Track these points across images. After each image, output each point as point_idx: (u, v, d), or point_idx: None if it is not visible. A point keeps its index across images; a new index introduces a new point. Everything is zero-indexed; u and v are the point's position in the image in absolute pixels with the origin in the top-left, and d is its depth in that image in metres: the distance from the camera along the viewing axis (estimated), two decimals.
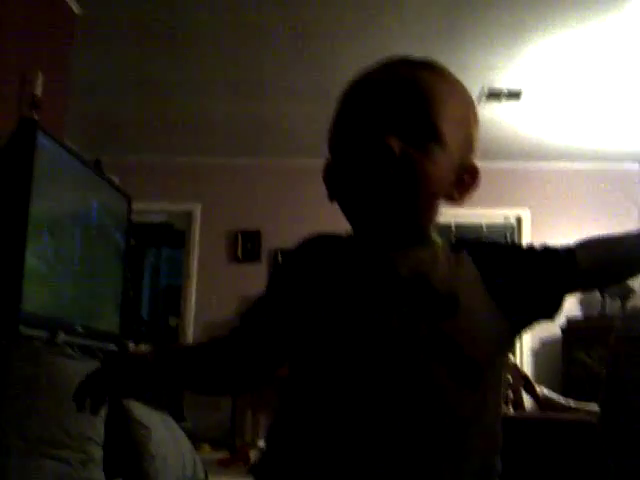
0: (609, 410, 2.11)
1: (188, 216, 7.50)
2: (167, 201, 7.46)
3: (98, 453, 2.71)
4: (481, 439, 1.01)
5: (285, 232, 7.23)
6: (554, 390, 3.46)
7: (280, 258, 7.26)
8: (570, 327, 6.38)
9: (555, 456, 2.57)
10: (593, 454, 2.24)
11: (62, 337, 3.13)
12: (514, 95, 5.75)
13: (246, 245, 7.35)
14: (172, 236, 8.61)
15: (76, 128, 5.59)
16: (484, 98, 5.65)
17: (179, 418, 3.38)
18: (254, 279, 7.21)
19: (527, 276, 1.06)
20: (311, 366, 1.03)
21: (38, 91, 3.63)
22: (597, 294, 6.50)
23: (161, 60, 5.35)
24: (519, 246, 1.12)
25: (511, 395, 3.19)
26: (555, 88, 5.62)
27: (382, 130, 1.02)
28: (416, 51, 4.57)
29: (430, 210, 1.08)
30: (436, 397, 0.97)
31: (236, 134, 6.87)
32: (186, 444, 3.56)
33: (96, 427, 2.72)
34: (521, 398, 3.32)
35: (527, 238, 7.16)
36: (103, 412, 2.80)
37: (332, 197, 1.12)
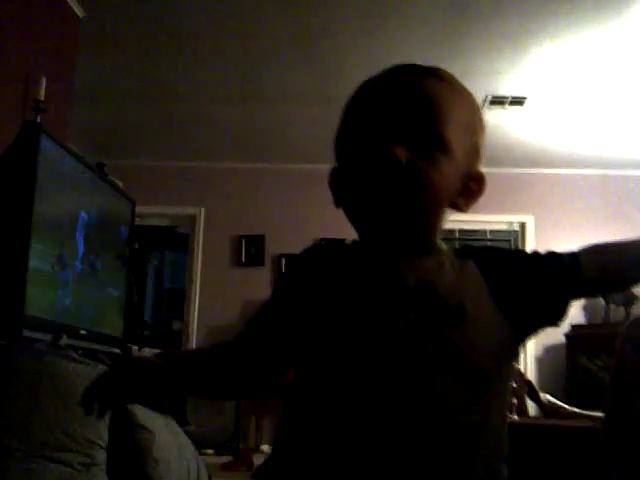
0: (613, 417, 2.10)
1: (192, 220, 7.50)
2: (171, 205, 7.47)
3: (102, 457, 2.70)
4: (487, 446, 1.01)
5: (289, 237, 7.24)
6: (558, 397, 3.45)
7: (284, 263, 7.27)
8: (574, 333, 6.37)
9: (559, 462, 2.56)
10: (597, 460, 2.24)
11: (65, 340, 3.12)
12: (518, 101, 5.75)
13: (250, 250, 7.36)
14: (175, 240, 8.62)
15: (80, 132, 5.59)
16: (488, 104, 5.65)
17: (183, 422, 3.38)
18: (258, 284, 7.21)
19: (532, 283, 1.05)
20: (318, 373, 1.03)
21: (41, 95, 3.63)
22: (601, 301, 6.49)
23: (165, 64, 5.36)
24: (524, 252, 1.12)
25: (515, 401, 3.18)
26: (559, 95, 5.62)
27: (388, 139, 1.02)
28: (420, 57, 4.57)
29: (436, 219, 1.07)
30: (443, 405, 0.97)
31: (240, 139, 6.87)
32: (190, 448, 3.56)
33: (100, 431, 2.71)
34: (525, 404, 3.31)
35: (531, 244, 7.16)
36: (107, 416, 2.79)
37: (338, 204, 1.12)
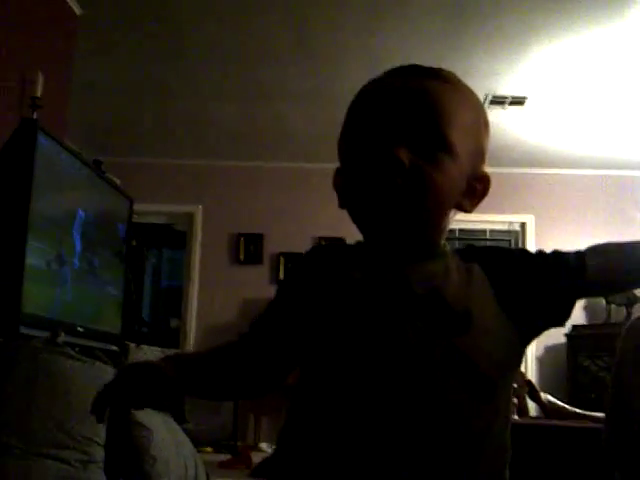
0: (614, 417, 2.09)
1: (190, 218, 7.50)
2: (168, 202, 7.46)
3: (99, 454, 2.70)
4: (492, 450, 1.01)
5: (288, 235, 7.25)
6: (559, 397, 3.44)
7: (284, 262, 7.27)
8: (575, 334, 6.37)
9: (560, 463, 2.55)
10: (598, 461, 2.23)
11: (62, 338, 3.11)
12: (518, 102, 5.75)
13: (248, 248, 7.36)
14: (173, 237, 8.61)
15: (78, 129, 5.59)
16: (488, 104, 5.65)
17: (181, 420, 3.37)
18: (256, 282, 7.22)
19: (537, 284, 1.05)
20: (325, 376, 1.02)
21: (38, 92, 3.62)
22: (602, 301, 6.50)
23: (162, 61, 5.34)
24: (529, 252, 1.11)
25: (515, 401, 3.17)
26: (559, 95, 5.61)
27: (391, 141, 1.01)
28: (419, 56, 4.57)
29: (441, 221, 1.07)
30: (449, 411, 0.96)
31: (238, 137, 6.87)
32: (188, 446, 3.55)
33: (97, 428, 2.70)
34: (525, 404, 3.31)
35: (531, 244, 7.16)
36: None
37: (342, 205, 1.11)
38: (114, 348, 4.34)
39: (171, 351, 6.41)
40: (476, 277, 1.04)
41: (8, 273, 3.17)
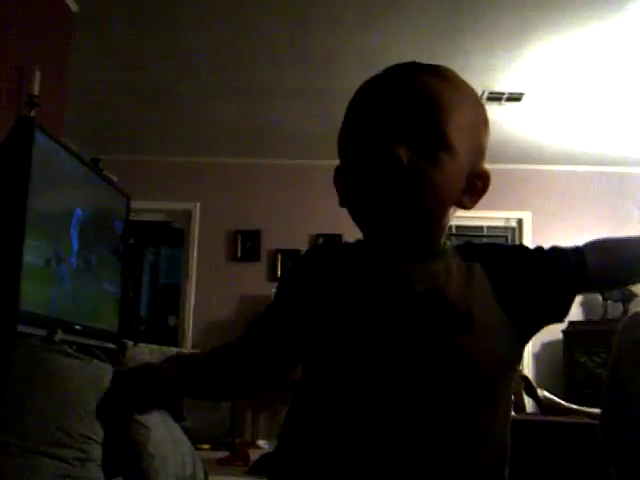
0: (610, 413, 2.10)
1: (187, 215, 7.50)
2: (166, 200, 7.46)
3: (97, 452, 2.70)
4: (492, 448, 1.01)
5: (285, 232, 7.26)
6: (556, 393, 3.45)
7: (282, 260, 7.27)
8: (572, 330, 6.38)
9: (556, 459, 2.56)
10: (595, 457, 2.23)
11: (60, 336, 3.11)
12: (515, 98, 5.75)
13: (245, 245, 7.36)
14: (171, 235, 8.61)
15: (75, 127, 5.58)
16: (485, 101, 5.65)
17: (179, 418, 3.37)
18: (253, 279, 7.23)
19: (536, 281, 1.05)
20: (327, 376, 1.02)
21: (35, 89, 3.62)
22: (599, 297, 6.50)
23: (160, 59, 5.34)
24: (527, 249, 1.10)
25: (512, 398, 3.17)
26: (556, 91, 5.61)
27: (390, 139, 1.01)
28: (416, 53, 4.57)
29: (440, 219, 1.06)
30: (451, 410, 0.97)
31: (235, 134, 6.86)
32: (186, 443, 3.55)
33: (95, 426, 2.70)
34: (522, 401, 3.31)
35: (528, 241, 7.17)
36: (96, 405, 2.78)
37: (343, 204, 1.11)
38: (112, 346, 4.35)
39: (169, 349, 6.42)
40: (477, 277, 1.04)
41: (5, 271, 3.17)
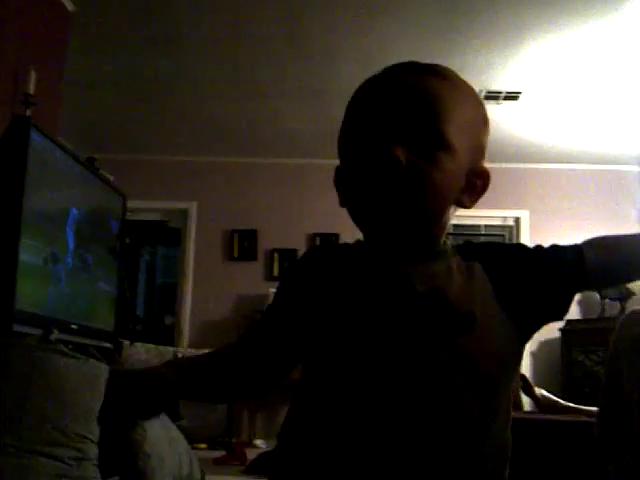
0: (608, 410, 2.10)
1: (184, 214, 7.49)
2: (162, 199, 7.46)
3: (93, 451, 2.69)
4: (493, 448, 1.01)
5: (282, 231, 7.26)
6: (553, 391, 3.45)
7: (279, 259, 7.27)
8: (569, 328, 6.38)
9: (553, 457, 2.56)
10: (592, 455, 2.23)
11: (56, 335, 3.11)
12: (512, 97, 5.75)
13: (242, 244, 7.35)
14: (168, 234, 8.60)
15: (71, 126, 5.57)
16: (482, 99, 5.64)
17: (175, 417, 3.37)
18: (250, 278, 7.22)
19: (536, 279, 1.05)
20: (329, 375, 1.02)
21: (31, 89, 3.61)
22: (596, 295, 6.51)
23: (156, 58, 5.33)
24: (527, 248, 1.10)
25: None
26: (554, 90, 5.61)
27: (389, 139, 1.01)
28: (413, 52, 4.56)
29: (440, 218, 1.06)
30: (454, 410, 0.97)
31: (232, 133, 6.86)
32: (182, 443, 3.55)
33: (91, 425, 2.70)
34: (519, 399, 3.31)
35: (525, 239, 7.17)
36: (98, 410, 2.78)
37: (343, 204, 1.10)
38: (108, 345, 4.34)
39: (166, 348, 6.42)
40: (477, 276, 1.05)
41: (1, 270, 3.16)
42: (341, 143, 1.10)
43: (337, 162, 1.11)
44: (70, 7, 4.47)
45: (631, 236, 1.11)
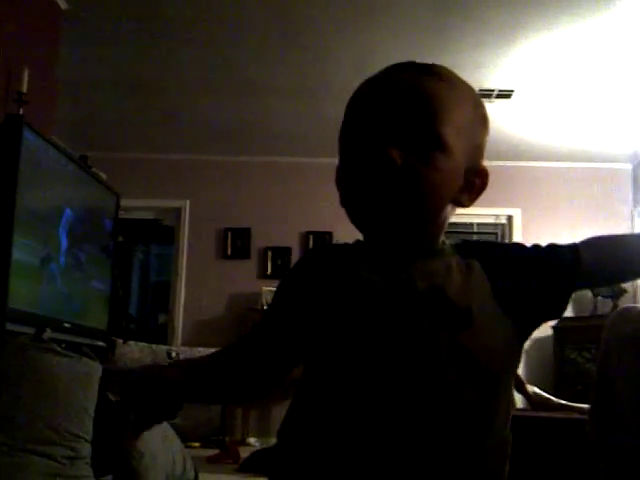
0: (599, 408, 2.11)
1: (177, 213, 7.48)
2: (156, 198, 7.44)
3: (86, 450, 2.69)
4: (493, 445, 1.02)
5: (275, 230, 7.25)
6: (546, 389, 3.45)
7: (272, 257, 7.27)
8: (562, 326, 6.39)
9: (546, 454, 2.56)
10: (584, 452, 2.24)
11: (49, 334, 3.11)
12: (505, 95, 5.75)
13: (235, 242, 7.35)
14: (161, 233, 8.59)
15: (64, 125, 5.56)
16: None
17: None
18: (243, 276, 7.22)
19: (533, 279, 1.06)
20: (331, 372, 1.02)
21: (24, 87, 3.61)
22: (589, 293, 6.52)
23: (149, 57, 5.32)
24: (525, 247, 1.11)
25: None
26: (546, 88, 5.63)
27: (384, 140, 1.01)
28: (406, 51, 4.56)
29: (437, 217, 1.07)
30: (455, 406, 0.97)
31: (225, 132, 6.85)
32: (176, 441, 3.55)
33: (84, 424, 2.70)
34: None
35: (518, 238, 7.19)
36: (91, 409, 2.79)
37: (343, 203, 1.11)
38: (101, 344, 4.34)
39: (159, 347, 6.42)
40: (475, 274, 1.05)
41: None
42: (340, 143, 1.11)
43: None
44: (63, 5, 4.46)
45: (627, 236, 1.12)
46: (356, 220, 1.08)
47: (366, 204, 1.03)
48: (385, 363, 0.98)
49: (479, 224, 7.44)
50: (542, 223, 7.08)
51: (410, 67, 1.09)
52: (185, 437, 4.06)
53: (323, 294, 1.07)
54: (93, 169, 4.59)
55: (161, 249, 9.78)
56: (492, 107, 5.91)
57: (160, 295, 8.85)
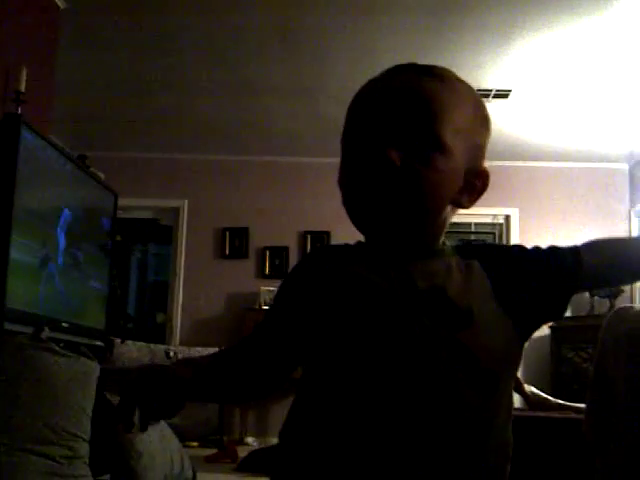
0: (595, 407, 2.11)
1: (175, 212, 7.48)
2: (154, 197, 7.44)
3: (84, 449, 2.69)
4: (495, 444, 1.02)
5: (273, 229, 7.25)
6: (543, 389, 3.46)
7: (270, 257, 7.27)
8: (559, 326, 6.39)
9: (543, 453, 2.57)
10: (580, 451, 2.25)
11: (47, 333, 3.11)
12: (502, 94, 5.76)
13: (234, 242, 7.34)
14: (159, 232, 8.60)
15: (63, 124, 5.56)
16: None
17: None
18: (242, 276, 7.22)
19: (534, 281, 1.06)
20: (332, 372, 1.03)
21: (22, 86, 3.60)
22: (586, 293, 6.51)
23: (148, 57, 5.32)
24: (526, 249, 1.11)
25: None
26: (544, 87, 5.63)
27: (384, 141, 1.02)
28: (403, 50, 4.55)
29: (437, 218, 1.07)
30: (456, 405, 0.97)
31: (223, 131, 6.85)
32: (174, 441, 3.55)
33: (82, 423, 2.70)
34: None
35: (515, 237, 7.20)
36: (89, 409, 2.79)
37: (344, 204, 1.11)
38: (99, 343, 4.34)
39: (157, 346, 6.42)
40: (475, 274, 1.06)
41: None
42: (342, 144, 1.11)
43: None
44: (61, 4, 4.46)
45: (628, 239, 1.12)
46: (356, 220, 1.08)
47: (366, 205, 1.04)
48: (385, 361, 0.98)
49: (477, 224, 7.45)
50: (539, 223, 7.09)
51: (411, 69, 1.09)
52: (183, 437, 4.06)
53: (323, 294, 1.07)
54: (91, 168, 4.59)
55: (159, 248, 9.78)
56: (489, 107, 5.86)
57: (158, 294, 8.86)
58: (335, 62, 5.23)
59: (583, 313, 6.60)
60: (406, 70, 1.09)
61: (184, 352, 6.22)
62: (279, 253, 7.23)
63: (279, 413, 6.45)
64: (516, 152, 7.04)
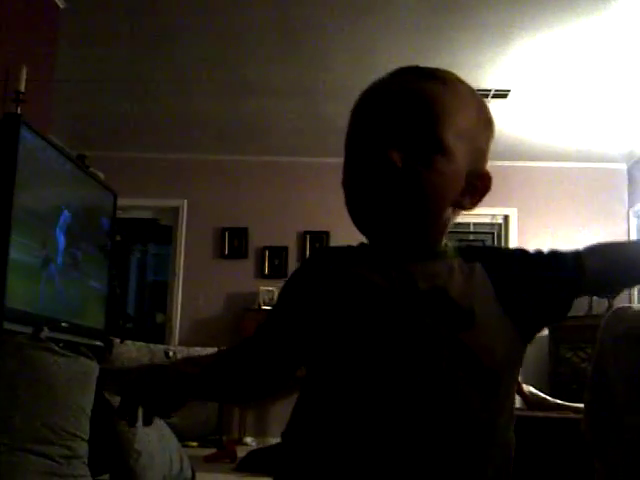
0: (593, 407, 2.12)
1: (174, 212, 7.48)
2: (153, 197, 7.44)
3: (83, 449, 2.69)
4: (498, 445, 1.02)
5: (272, 229, 7.25)
6: (541, 389, 3.46)
7: (270, 257, 7.27)
8: (557, 326, 6.37)
9: (542, 453, 2.57)
10: (579, 451, 2.25)
11: (46, 333, 3.11)
12: (502, 94, 5.76)
13: (233, 242, 7.34)
14: (158, 232, 8.59)
15: (62, 124, 5.56)
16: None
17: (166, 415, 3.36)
18: (241, 276, 7.22)
19: (536, 284, 1.07)
20: (335, 373, 1.03)
21: (22, 86, 3.61)
22: None
23: (147, 57, 5.32)
24: (528, 253, 1.12)
25: None
26: (543, 87, 5.63)
27: (386, 143, 1.02)
28: (403, 50, 4.55)
29: (438, 220, 1.08)
30: (458, 405, 0.98)
31: (222, 131, 6.85)
32: (173, 441, 3.55)
33: (81, 423, 2.70)
34: None
35: (514, 237, 7.20)
36: (88, 409, 2.79)
37: (346, 205, 1.12)
38: (98, 343, 4.34)
39: (156, 346, 6.41)
40: (477, 276, 1.06)
41: None
42: (345, 145, 1.12)
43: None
44: (61, 4, 4.46)
45: (629, 243, 1.13)
46: (358, 221, 1.09)
47: (367, 206, 1.05)
48: (388, 361, 0.99)
49: (475, 224, 7.45)
50: (538, 223, 7.09)
51: (413, 71, 1.10)
52: (182, 436, 4.06)
53: (326, 295, 1.07)
54: (91, 168, 4.58)
55: (159, 248, 9.78)
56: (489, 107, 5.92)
57: (157, 294, 8.85)
58: (335, 62, 5.23)
59: (581, 313, 6.59)
60: (409, 72, 1.10)
61: (183, 352, 6.21)
62: (278, 253, 7.23)
63: (278, 413, 6.46)
64: (515, 152, 7.03)
